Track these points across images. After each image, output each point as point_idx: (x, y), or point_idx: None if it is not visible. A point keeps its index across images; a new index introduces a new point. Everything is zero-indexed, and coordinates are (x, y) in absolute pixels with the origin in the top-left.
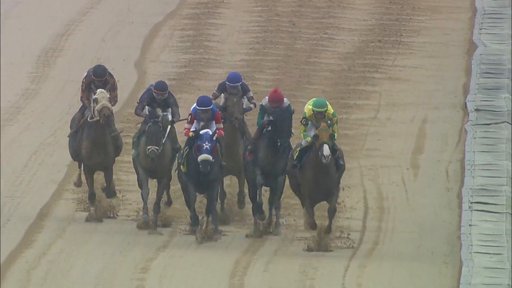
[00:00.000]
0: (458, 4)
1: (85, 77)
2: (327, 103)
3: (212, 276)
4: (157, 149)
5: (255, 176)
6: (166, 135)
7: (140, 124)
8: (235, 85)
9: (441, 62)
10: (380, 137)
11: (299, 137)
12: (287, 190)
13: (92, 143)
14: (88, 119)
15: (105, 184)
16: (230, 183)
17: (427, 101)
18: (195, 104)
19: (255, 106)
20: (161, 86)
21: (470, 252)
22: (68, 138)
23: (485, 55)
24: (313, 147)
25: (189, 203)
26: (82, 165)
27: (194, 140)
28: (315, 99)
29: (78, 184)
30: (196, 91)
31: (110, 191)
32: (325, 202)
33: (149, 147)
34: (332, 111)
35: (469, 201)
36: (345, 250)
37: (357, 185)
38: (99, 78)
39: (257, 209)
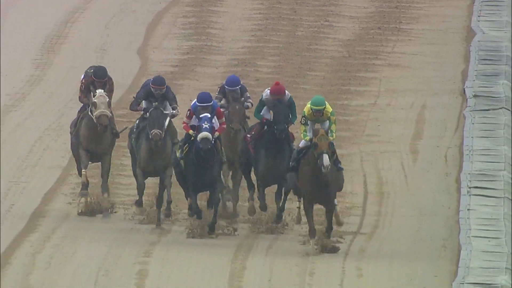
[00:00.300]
0: None
1: (84, 77)
2: (325, 101)
3: (216, 259)
4: (160, 133)
5: (258, 178)
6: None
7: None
8: (235, 88)
9: (440, 49)
10: (380, 123)
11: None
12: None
13: (91, 132)
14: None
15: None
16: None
17: (426, 88)
18: (195, 100)
19: (252, 105)
20: (159, 81)
21: (469, 236)
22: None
23: (483, 42)
24: (310, 149)
25: (191, 200)
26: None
27: (194, 141)
28: (313, 97)
29: (85, 189)
30: (199, 77)
31: (105, 184)
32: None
33: (152, 130)
34: (331, 109)
35: (467, 186)
36: (345, 235)
37: (357, 170)
38: (99, 79)
39: (263, 208)
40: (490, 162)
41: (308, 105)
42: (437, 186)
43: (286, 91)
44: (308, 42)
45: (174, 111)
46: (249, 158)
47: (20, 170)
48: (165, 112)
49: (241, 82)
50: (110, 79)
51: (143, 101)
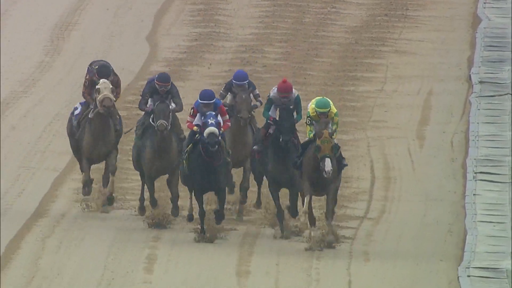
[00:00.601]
0: None
1: (88, 73)
2: (330, 103)
3: (225, 244)
4: (166, 123)
5: (271, 190)
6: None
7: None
8: (242, 83)
9: (446, 35)
10: (387, 109)
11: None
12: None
13: (94, 137)
14: (89, 116)
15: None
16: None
17: (433, 74)
18: (198, 98)
19: (261, 104)
20: (163, 78)
21: (474, 221)
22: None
23: (489, 28)
24: (313, 142)
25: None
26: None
27: (199, 140)
28: (318, 98)
29: (88, 192)
30: (207, 64)
31: (111, 185)
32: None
33: (158, 121)
34: (335, 111)
35: (473, 171)
36: (352, 219)
37: (364, 155)
38: (103, 78)
39: (280, 216)
40: (496, 147)
41: (312, 106)
42: (443, 172)
43: (294, 89)
44: (315, 28)
45: (177, 107)
46: (261, 171)
47: (30, 156)
48: (170, 106)
49: (249, 69)
50: (116, 75)
51: (149, 99)
